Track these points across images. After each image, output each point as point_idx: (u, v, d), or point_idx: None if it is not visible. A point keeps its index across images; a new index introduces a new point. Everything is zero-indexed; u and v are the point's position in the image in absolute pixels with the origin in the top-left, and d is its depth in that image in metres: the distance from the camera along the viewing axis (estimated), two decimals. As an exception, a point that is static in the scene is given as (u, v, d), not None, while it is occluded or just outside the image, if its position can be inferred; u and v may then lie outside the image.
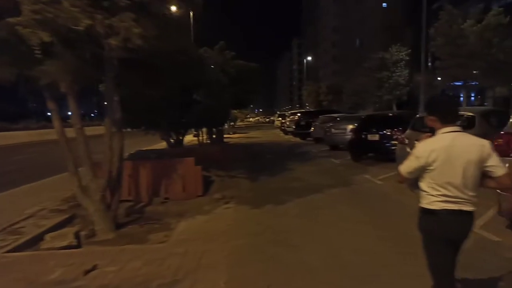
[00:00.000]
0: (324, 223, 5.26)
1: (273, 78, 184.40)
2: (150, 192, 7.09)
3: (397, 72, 24.29)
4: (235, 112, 37.79)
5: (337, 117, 16.55)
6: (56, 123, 5.25)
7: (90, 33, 4.18)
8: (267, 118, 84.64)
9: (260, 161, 12.78)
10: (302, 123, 21.15)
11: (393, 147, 9.23)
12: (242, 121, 74.43)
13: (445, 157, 2.11)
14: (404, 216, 5.18)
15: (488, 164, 2.14)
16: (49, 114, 11.08)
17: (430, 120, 2.23)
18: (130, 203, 6.92)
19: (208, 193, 7.43)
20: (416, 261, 3.25)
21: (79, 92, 5.29)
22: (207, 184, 7.85)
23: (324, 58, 77.23)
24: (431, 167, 2.14)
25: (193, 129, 14.40)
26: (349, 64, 59.32)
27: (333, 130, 14.16)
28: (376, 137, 10.13)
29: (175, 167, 7.18)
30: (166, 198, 7.07)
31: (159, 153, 8.80)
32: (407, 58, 24.57)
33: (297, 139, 22.11)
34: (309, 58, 71.12)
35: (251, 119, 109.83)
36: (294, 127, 22.20)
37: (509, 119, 4.56)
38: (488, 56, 14.40)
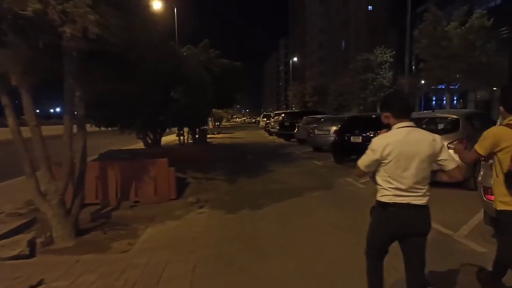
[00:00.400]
0: (301, 230, 4.94)
1: (261, 78, 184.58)
2: (119, 195, 6.64)
3: (382, 74, 24.26)
4: (220, 112, 37.38)
5: (321, 119, 16.34)
6: (10, 120, 4.77)
7: (43, 20, 3.75)
8: (253, 118, 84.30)
9: (241, 162, 12.43)
10: (286, 124, 20.90)
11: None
12: (228, 121, 73.97)
13: (398, 151, 2.17)
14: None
15: (440, 158, 2.23)
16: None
17: (385, 117, 2.32)
18: (97, 207, 6.47)
19: (182, 196, 7.03)
20: (398, 274, 2.96)
21: (43, 86, 4.85)
22: (182, 186, 7.46)
23: (310, 59, 77.44)
24: (385, 161, 2.20)
25: (172, 128, 13.93)
26: (334, 65, 59.77)
27: (316, 131, 13.92)
28: (359, 139, 9.91)
29: (147, 168, 6.76)
30: (136, 202, 6.64)
31: (132, 153, 8.35)
32: (392, 60, 24.60)
33: (281, 140, 21.86)
34: (295, 59, 71.10)
35: (237, 119, 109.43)
36: (278, 127, 21.94)
37: (492, 123, 4.23)
38: (471, 58, 14.42)
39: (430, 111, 8.55)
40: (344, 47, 57.57)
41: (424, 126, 7.56)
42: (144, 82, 7.94)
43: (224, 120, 61.44)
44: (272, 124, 25.30)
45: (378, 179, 2.30)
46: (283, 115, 22.31)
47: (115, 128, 9.86)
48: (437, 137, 2.26)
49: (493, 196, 2.75)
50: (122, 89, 7.03)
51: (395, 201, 2.21)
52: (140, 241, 4.78)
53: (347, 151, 10.68)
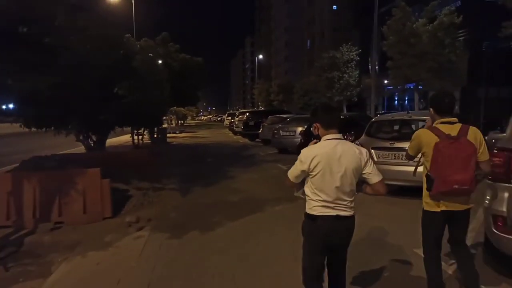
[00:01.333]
0: (257, 261, 3.95)
1: (227, 76, 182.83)
2: (38, 215, 5.35)
3: (348, 72, 23.82)
4: (182, 109, 35.83)
5: (287, 118, 15.53)
6: None
7: None
8: (219, 116, 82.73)
9: (199, 166, 11.29)
10: (251, 123, 19.94)
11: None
12: (193, 119, 72.02)
13: (325, 163, 2.21)
14: (360, 243, 4.02)
15: (365, 171, 2.28)
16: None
17: (315, 128, 2.33)
18: (8, 231, 5.15)
19: (120, 214, 5.83)
20: None
21: None
22: (122, 200, 6.24)
23: (276, 58, 77.18)
24: (313, 172, 2.23)
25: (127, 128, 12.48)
26: (300, 64, 59.74)
27: (281, 132, 13.06)
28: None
29: (74, 180, 5.51)
30: (60, 223, 5.37)
31: (63, 160, 6.99)
32: (358, 58, 24.21)
33: (246, 140, 20.89)
34: (261, 56, 70.45)
35: (203, 117, 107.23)
36: (242, 127, 20.92)
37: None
38: (440, 56, 14.10)
39: (405, 112, 7.91)
40: (309, 46, 57.65)
41: (397, 128, 6.88)
42: (77, 74, 6.67)
43: (189, 118, 59.64)
44: (236, 123, 24.25)
45: (307, 190, 2.31)
46: (247, 114, 21.30)
47: (52, 129, 8.43)
48: (363, 150, 2.30)
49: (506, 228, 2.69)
50: (45, 80, 5.72)
51: (324, 213, 2.24)
52: (47, 285, 3.59)
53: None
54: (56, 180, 5.49)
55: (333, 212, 2.22)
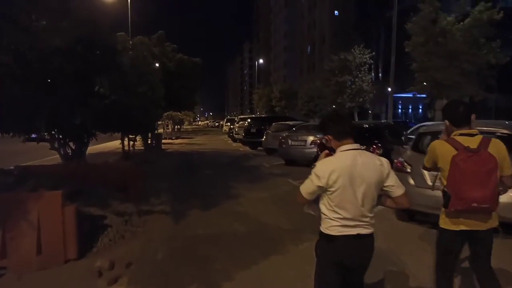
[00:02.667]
0: None
1: (225, 82, 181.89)
2: (-29, 257, 3.82)
3: (361, 76, 22.16)
4: (179, 114, 34.36)
5: (293, 126, 14.08)
6: None
7: None
8: (216, 122, 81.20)
9: (196, 179, 9.77)
10: (253, 130, 18.44)
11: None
12: (190, 124, 70.57)
13: (345, 178, 1.98)
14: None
15: (387, 184, 2.06)
16: None
17: (327, 140, 2.15)
18: None
19: (89, 254, 4.30)
20: None
21: None
22: (94, 232, 4.71)
23: (275, 63, 76.42)
24: (331, 188, 1.99)
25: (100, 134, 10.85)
26: (299, 69, 58.69)
27: (290, 141, 11.57)
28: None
29: (25, 207, 3.99)
30: (1, 269, 3.85)
31: (25, 175, 5.47)
32: (371, 61, 22.62)
33: (247, 148, 19.39)
34: (261, 61, 69.45)
35: (200, 122, 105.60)
36: (243, 134, 19.42)
37: None
38: (476, 57, 12.57)
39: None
40: (309, 52, 56.81)
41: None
42: (39, 62, 5.22)
43: (186, 123, 58.18)
44: (236, 129, 22.74)
45: (323, 208, 2.07)
46: (249, 120, 19.77)
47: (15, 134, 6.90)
48: (384, 161, 2.08)
49: None
50: None
51: (344, 233, 2.00)
52: None
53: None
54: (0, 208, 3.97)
55: (353, 231, 2.00)
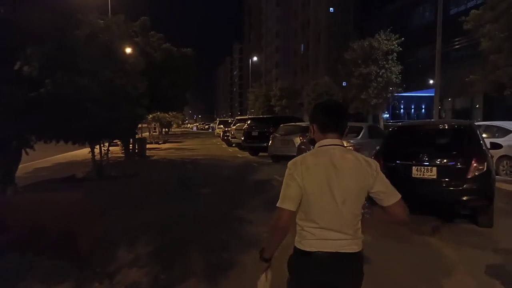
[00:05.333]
0: None
1: (214, 84, 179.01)
2: None
3: (388, 67, 18.80)
4: (167, 116, 31.42)
5: (307, 128, 11.39)
6: None
7: None
8: (207, 124, 78.08)
9: (192, 209, 6.81)
10: (254, 133, 15.66)
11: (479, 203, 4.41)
12: (178, 126, 67.60)
13: (322, 179, 1.59)
14: None
15: (374, 190, 1.63)
16: None
17: (311, 131, 1.79)
18: None
19: None
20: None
21: None
22: None
23: (267, 64, 74.78)
24: (304, 191, 1.60)
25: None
26: (292, 69, 56.66)
27: (312, 147, 8.89)
28: (431, 173, 4.92)
29: None
30: None
31: None
32: (400, 49, 19.21)
33: (246, 154, 16.64)
34: (255, 58, 67.41)
35: (189, 125, 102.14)
36: (242, 138, 16.63)
37: None
38: None
39: None
40: (303, 51, 54.90)
41: None
42: None
43: (174, 126, 55.14)
44: (233, 132, 19.96)
45: (297, 216, 1.67)
46: (249, 121, 16.95)
47: None
48: (372, 162, 1.65)
49: None
50: None
51: (319, 248, 1.60)
52: None
53: (410, 198, 5.66)
54: None
55: (331, 248, 1.58)
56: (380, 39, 19.30)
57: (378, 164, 1.66)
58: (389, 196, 1.63)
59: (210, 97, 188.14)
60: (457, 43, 25.53)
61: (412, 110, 39.18)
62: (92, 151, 10.11)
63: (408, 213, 1.67)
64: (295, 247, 1.69)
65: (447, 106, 30.47)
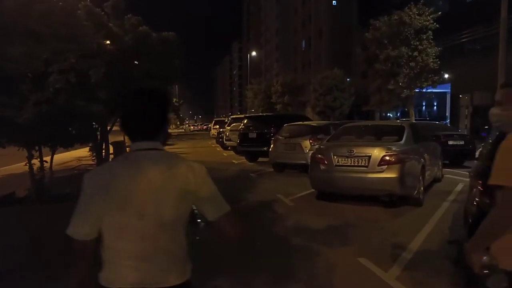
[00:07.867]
0: None
1: (214, 84, 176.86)
2: None
3: (422, 48, 14.68)
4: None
5: (322, 128, 8.75)
6: None
7: None
8: (205, 125, 75.33)
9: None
10: (252, 135, 12.92)
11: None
12: (177, 127, 65.11)
13: (122, 193, 1.19)
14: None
15: (199, 201, 1.30)
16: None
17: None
18: None
19: None
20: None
21: None
22: None
23: (266, 61, 73.22)
24: (103, 209, 1.19)
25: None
26: (292, 66, 54.55)
27: (335, 158, 6.08)
28: None
29: None
30: None
31: None
32: (437, 26, 15.02)
33: (243, 160, 13.92)
34: (254, 53, 65.56)
35: (190, 126, 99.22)
36: (238, 140, 13.89)
37: None
38: None
39: None
40: (304, 47, 52.55)
41: None
42: None
43: (172, 127, 52.77)
44: (227, 134, 17.20)
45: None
46: (245, 120, 14.14)
47: None
48: (197, 166, 1.30)
49: None
50: None
51: (121, 284, 1.19)
52: None
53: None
54: None
55: (139, 282, 1.18)
56: (411, 13, 15.42)
57: (204, 169, 1.32)
58: (214, 208, 1.32)
59: (211, 98, 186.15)
60: (472, 33, 22.98)
61: (424, 107, 36.42)
62: (29, 161, 7.40)
63: (241, 231, 1.35)
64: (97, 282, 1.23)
65: (463, 103, 27.75)
